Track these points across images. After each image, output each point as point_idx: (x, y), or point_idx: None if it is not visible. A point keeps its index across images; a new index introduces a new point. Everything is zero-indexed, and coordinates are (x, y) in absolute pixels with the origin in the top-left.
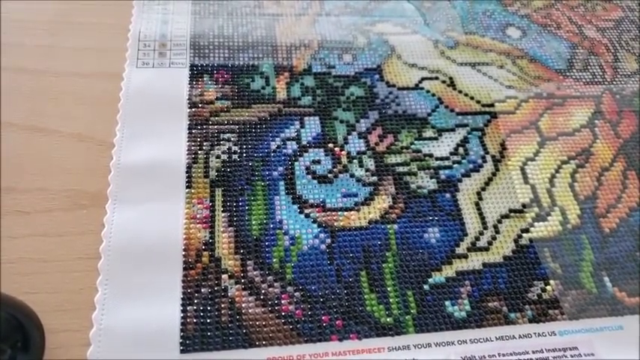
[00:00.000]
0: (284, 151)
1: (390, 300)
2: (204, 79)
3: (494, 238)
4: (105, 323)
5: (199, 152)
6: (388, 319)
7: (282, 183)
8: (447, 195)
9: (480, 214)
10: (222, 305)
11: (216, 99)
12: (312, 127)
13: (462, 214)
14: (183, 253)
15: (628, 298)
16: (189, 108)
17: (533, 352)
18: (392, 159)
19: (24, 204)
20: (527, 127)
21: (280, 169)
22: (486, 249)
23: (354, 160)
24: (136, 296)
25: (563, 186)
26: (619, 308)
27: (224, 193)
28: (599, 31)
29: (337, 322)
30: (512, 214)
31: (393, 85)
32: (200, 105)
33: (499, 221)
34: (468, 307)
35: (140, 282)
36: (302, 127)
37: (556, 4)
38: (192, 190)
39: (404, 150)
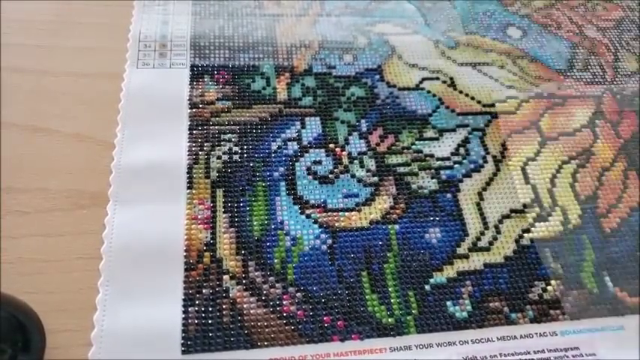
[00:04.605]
0: (285, 151)
1: (392, 300)
2: (205, 79)
3: (495, 239)
4: (106, 324)
5: (200, 153)
6: (389, 320)
7: (283, 184)
8: (448, 195)
9: (481, 214)
10: (224, 306)
11: (217, 99)
12: (313, 127)
13: (462, 214)
14: (185, 254)
15: (629, 298)
16: (190, 108)
17: (535, 353)
18: (393, 159)
19: (24, 204)
20: (528, 127)
21: (281, 169)
22: (487, 249)
23: (355, 161)
24: (137, 297)
25: (564, 186)
26: (620, 308)
27: (225, 193)
28: (599, 31)
29: (339, 323)
30: (513, 214)
31: (394, 86)
32: (201, 105)
33: (500, 221)
34: (469, 308)
35: (141, 283)
36: (303, 127)
37: (556, 4)
38: (193, 191)
39: (405, 150)
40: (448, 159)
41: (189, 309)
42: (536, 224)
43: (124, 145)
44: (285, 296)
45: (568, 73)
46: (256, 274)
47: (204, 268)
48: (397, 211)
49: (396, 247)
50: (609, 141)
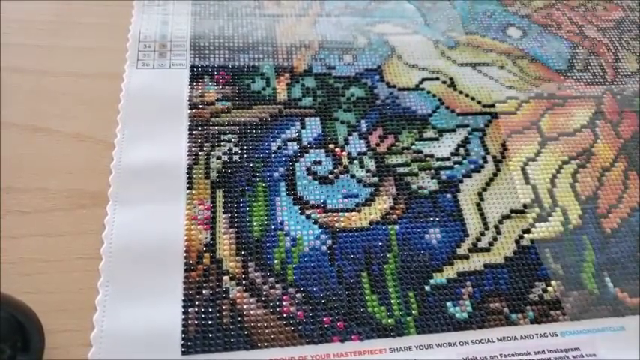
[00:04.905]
0: (285, 152)
1: (392, 301)
2: (205, 80)
3: (495, 239)
4: (106, 325)
5: (200, 153)
6: (390, 320)
7: (282, 184)
8: (448, 196)
9: (481, 214)
10: (224, 307)
11: (217, 100)
12: (313, 128)
13: (463, 214)
14: (184, 254)
15: (629, 299)
16: (190, 109)
17: (535, 353)
18: (393, 160)
19: (24, 204)
20: (528, 128)
21: (281, 170)
22: (487, 250)
23: (355, 161)
24: (137, 298)
25: (564, 186)
26: (620, 309)
27: (225, 194)
28: (599, 31)
29: (339, 324)
30: (513, 214)
31: (394, 86)
32: (200, 106)
33: (500, 222)
34: (469, 308)
35: (141, 283)
36: (303, 128)
37: (556, 4)
38: (193, 192)
39: (405, 151)
40: (448, 159)
41: (189, 309)
42: (537, 225)
43: (124, 146)
44: (284, 297)
45: (568, 74)
46: (256, 274)
47: (204, 268)
48: (397, 211)
49: (396, 248)
50: (609, 141)
